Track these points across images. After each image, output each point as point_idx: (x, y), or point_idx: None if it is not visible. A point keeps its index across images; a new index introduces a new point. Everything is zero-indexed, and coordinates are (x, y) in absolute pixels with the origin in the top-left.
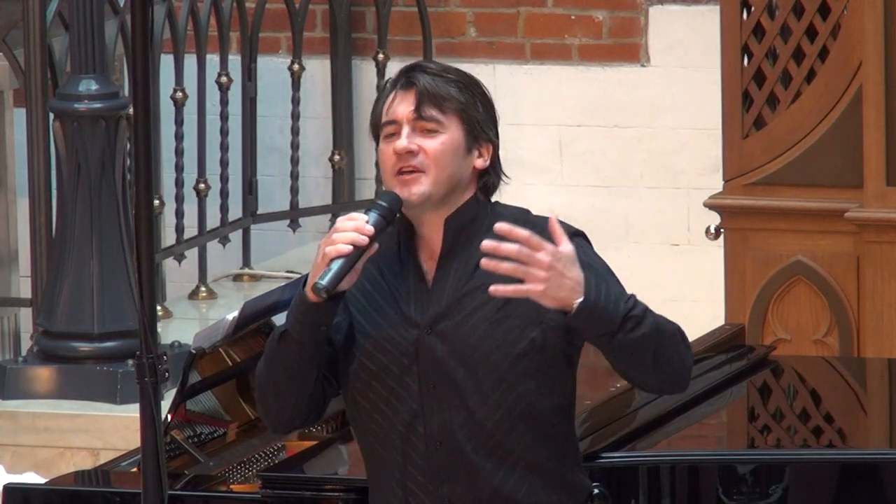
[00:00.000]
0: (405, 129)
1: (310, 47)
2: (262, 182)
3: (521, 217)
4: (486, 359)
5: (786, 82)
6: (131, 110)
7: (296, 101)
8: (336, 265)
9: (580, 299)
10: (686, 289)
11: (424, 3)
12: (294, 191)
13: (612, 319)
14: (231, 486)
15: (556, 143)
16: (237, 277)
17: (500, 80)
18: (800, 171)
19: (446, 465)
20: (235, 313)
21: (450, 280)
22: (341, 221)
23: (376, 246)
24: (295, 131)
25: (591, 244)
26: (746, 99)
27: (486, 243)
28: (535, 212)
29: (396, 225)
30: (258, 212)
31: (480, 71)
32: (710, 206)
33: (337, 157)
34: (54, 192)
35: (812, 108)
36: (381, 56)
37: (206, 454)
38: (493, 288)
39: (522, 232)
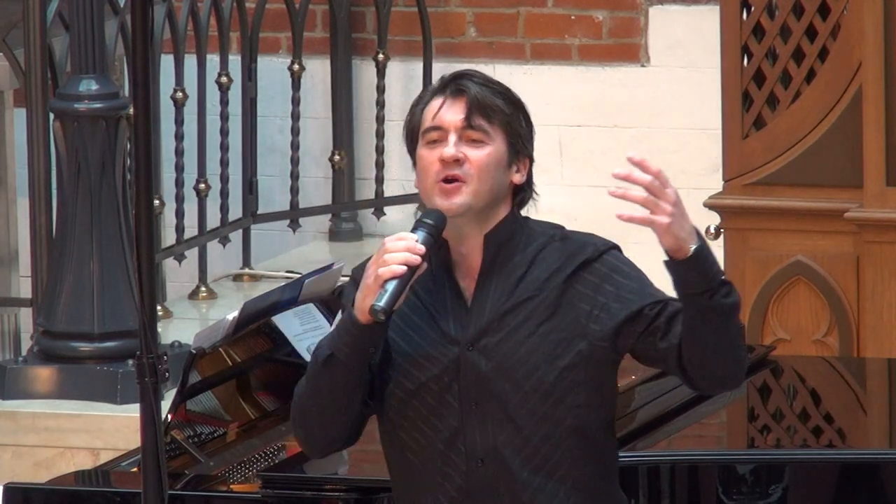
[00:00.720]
0: (452, 137)
1: (310, 47)
2: (262, 182)
3: (558, 233)
4: (533, 373)
5: (786, 82)
6: (131, 110)
7: (296, 101)
8: (391, 286)
9: (696, 244)
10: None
11: (424, 3)
12: (294, 191)
13: (716, 275)
14: (231, 486)
15: (556, 143)
16: (237, 277)
17: (500, 80)
18: (800, 171)
19: (488, 483)
20: (235, 313)
21: (490, 297)
22: (391, 242)
23: (426, 265)
24: (295, 131)
25: (627, 258)
26: (746, 99)
27: (619, 171)
28: (534, 214)
29: None
30: (258, 212)
31: (481, 71)
32: (709, 206)
33: (337, 158)
34: (54, 192)
35: (812, 109)
36: (381, 56)
37: (206, 454)
38: (620, 213)
39: (654, 165)
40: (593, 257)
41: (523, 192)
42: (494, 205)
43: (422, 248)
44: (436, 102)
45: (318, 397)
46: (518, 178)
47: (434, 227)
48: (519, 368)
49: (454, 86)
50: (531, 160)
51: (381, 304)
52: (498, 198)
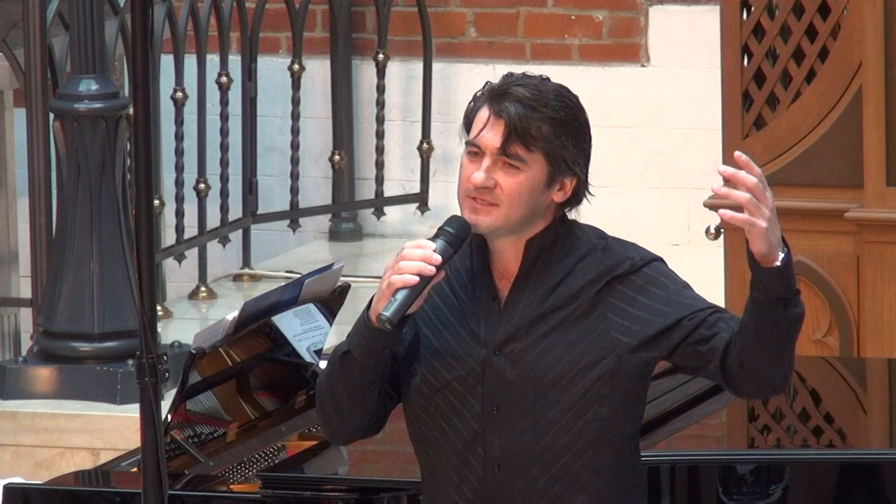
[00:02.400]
0: (486, 161)
1: (310, 47)
2: (262, 182)
3: (601, 243)
4: (557, 382)
5: (786, 82)
6: (131, 110)
7: (296, 101)
8: (401, 295)
9: (784, 253)
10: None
11: (424, 3)
12: (294, 191)
13: (794, 283)
14: (231, 486)
15: None
16: (237, 277)
17: None
18: (800, 171)
19: (504, 489)
20: (235, 313)
21: (523, 302)
22: (409, 249)
23: (443, 273)
24: (295, 131)
25: (670, 269)
26: (746, 99)
27: (725, 169)
28: None
29: (471, 239)
30: (258, 212)
31: (480, 71)
32: (709, 206)
33: (337, 157)
34: (54, 192)
35: (812, 108)
36: (381, 56)
37: (206, 454)
38: (723, 211)
39: (757, 168)
40: (631, 270)
41: (567, 207)
42: (531, 221)
43: (438, 259)
44: (482, 113)
45: (335, 391)
46: (560, 196)
47: (454, 237)
48: (543, 377)
49: (497, 104)
50: (580, 178)
51: (388, 314)
52: (535, 216)
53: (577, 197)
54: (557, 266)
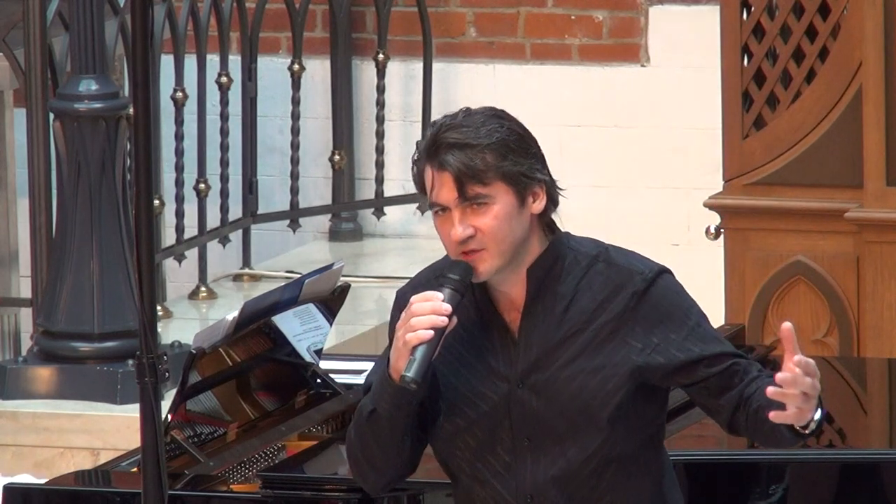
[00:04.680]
0: (455, 215)
1: (310, 47)
2: (262, 182)
3: (602, 254)
4: (585, 409)
5: (786, 82)
6: (131, 110)
7: (296, 101)
8: (420, 353)
9: (819, 416)
10: (686, 288)
11: (424, 3)
12: (294, 191)
13: (821, 427)
14: (231, 486)
15: (556, 143)
16: (237, 277)
17: (500, 80)
18: (800, 171)
19: None
20: (235, 313)
21: (536, 331)
22: (417, 304)
23: (455, 320)
24: (295, 131)
25: (677, 281)
26: (746, 99)
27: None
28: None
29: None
30: (258, 212)
31: (480, 71)
32: (710, 206)
33: (337, 158)
34: (54, 192)
35: (812, 108)
36: (381, 56)
37: (206, 454)
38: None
39: (811, 363)
40: (643, 288)
41: (547, 213)
42: (524, 245)
43: (448, 308)
44: (427, 173)
45: (366, 449)
46: (538, 206)
47: (459, 283)
48: (570, 405)
49: (435, 160)
50: (546, 182)
51: (411, 374)
52: (524, 238)
53: (553, 199)
54: (562, 287)
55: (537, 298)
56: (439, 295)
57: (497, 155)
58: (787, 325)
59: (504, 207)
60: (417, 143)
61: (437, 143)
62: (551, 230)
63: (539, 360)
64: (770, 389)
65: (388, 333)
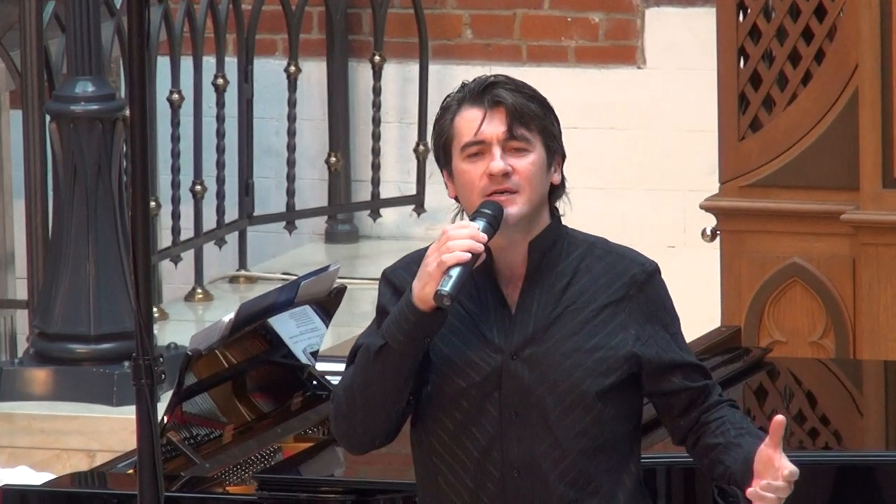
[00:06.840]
0: (497, 150)
1: (306, 49)
2: (259, 184)
3: (598, 242)
4: (576, 387)
5: (782, 84)
6: (127, 112)
7: (292, 103)
8: (455, 272)
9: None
10: (682, 290)
11: (421, 5)
12: (290, 193)
13: None
14: (227, 488)
15: None
16: (233, 279)
17: None
18: (796, 174)
19: (521, 494)
20: (232, 315)
21: (535, 305)
22: (454, 230)
23: (485, 255)
24: (291, 133)
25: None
26: (742, 101)
27: (753, 493)
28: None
29: None
30: (254, 213)
31: (477, 73)
32: (706, 207)
33: (333, 159)
34: (51, 193)
35: (808, 110)
36: (377, 58)
37: (202, 456)
38: (751, 491)
39: (796, 472)
40: (644, 279)
41: (557, 191)
42: (540, 209)
43: (484, 237)
44: (470, 114)
45: (368, 390)
46: (556, 178)
47: (494, 217)
48: (562, 381)
49: (491, 97)
50: (564, 157)
51: (447, 289)
52: (542, 201)
53: (563, 182)
54: (562, 266)
55: (537, 273)
56: (475, 224)
57: (542, 109)
58: (779, 417)
59: (539, 159)
60: (447, 97)
61: (490, 84)
62: (557, 218)
63: (535, 333)
64: (750, 491)
65: (375, 309)
